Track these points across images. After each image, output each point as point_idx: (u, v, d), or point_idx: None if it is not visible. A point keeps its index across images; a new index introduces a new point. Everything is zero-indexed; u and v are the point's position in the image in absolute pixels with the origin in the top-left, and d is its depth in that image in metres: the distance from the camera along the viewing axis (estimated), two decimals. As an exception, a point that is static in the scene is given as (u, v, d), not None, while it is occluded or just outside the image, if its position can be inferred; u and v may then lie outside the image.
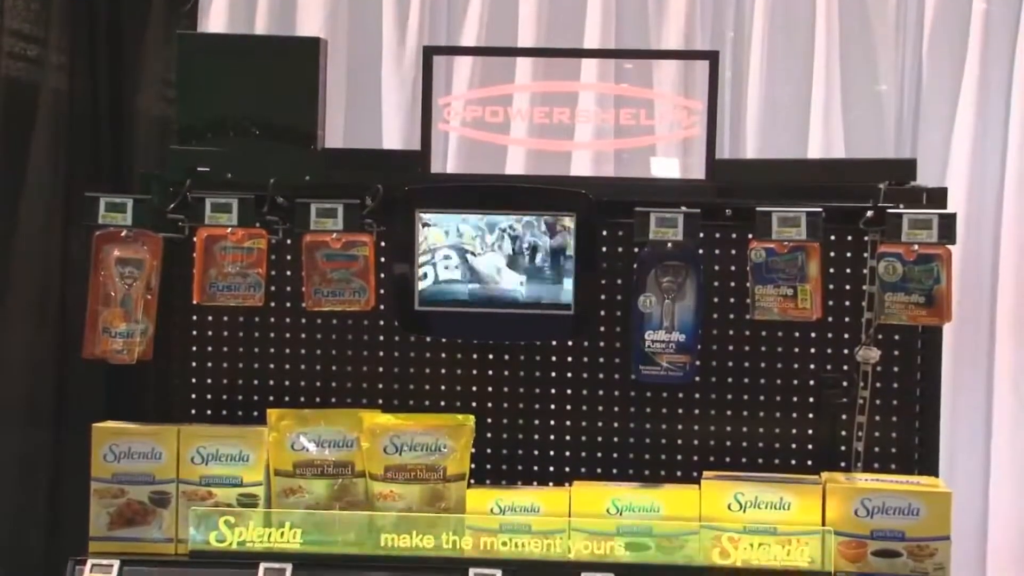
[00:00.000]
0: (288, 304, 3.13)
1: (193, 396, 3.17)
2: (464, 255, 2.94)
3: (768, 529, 2.75)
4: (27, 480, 2.97)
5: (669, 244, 2.85)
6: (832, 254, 3.00)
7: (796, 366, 3.07)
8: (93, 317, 2.87)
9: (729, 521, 2.77)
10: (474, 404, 3.12)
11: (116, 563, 2.82)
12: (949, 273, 2.77)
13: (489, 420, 3.13)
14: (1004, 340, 3.55)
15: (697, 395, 3.09)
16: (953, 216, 2.80)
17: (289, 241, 3.01)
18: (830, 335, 3.06)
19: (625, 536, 2.79)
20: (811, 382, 3.07)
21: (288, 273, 3.11)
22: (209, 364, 3.17)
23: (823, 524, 2.75)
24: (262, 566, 2.81)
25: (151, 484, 2.89)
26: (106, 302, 2.88)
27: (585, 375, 3.13)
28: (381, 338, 3.15)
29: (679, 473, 3.08)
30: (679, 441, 3.10)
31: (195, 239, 2.92)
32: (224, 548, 2.83)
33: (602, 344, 3.11)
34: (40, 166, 3.04)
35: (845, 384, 3.02)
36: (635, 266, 2.92)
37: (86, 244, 2.90)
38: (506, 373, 3.14)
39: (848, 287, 3.03)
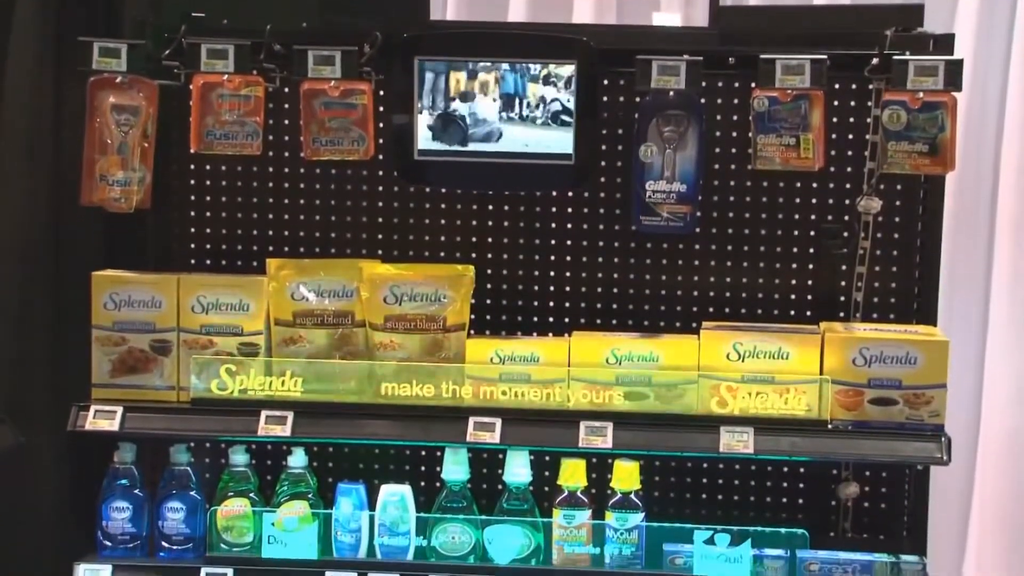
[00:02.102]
0: (286, 154, 3.11)
1: (192, 246, 3.17)
2: (464, 103, 2.90)
3: (766, 378, 2.77)
4: (27, 328, 2.97)
5: (671, 93, 2.81)
6: (835, 103, 2.96)
7: (797, 216, 3.06)
8: (90, 164, 2.85)
9: (727, 370, 2.79)
10: (474, 255, 3.12)
11: (119, 410, 2.84)
12: (954, 121, 2.74)
13: (489, 271, 3.13)
14: (1007, 190, 3.52)
15: (697, 246, 3.09)
16: (960, 63, 2.75)
17: (287, 90, 2.97)
18: (831, 185, 3.04)
19: (624, 385, 2.80)
20: (811, 232, 3.06)
21: (286, 122, 3.08)
22: (208, 214, 3.16)
23: (821, 373, 2.76)
24: (263, 413, 2.83)
25: (152, 332, 2.90)
26: (102, 150, 2.85)
27: (585, 226, 3.12)
28: (380, 188, 3.13)
29: (678, 323, 3.10)
30: (679, 292, 3.11)
31: (191, 86, 2.88)
32: (225, 396, 2.85)
33: (602, 194, 3.09)
34: (27, 11, 2.96)
35: (845, 234, 3.01)
36: (636, 116, 2.88)
37: (79, 92, 2.86)
38: (506, 224, 3.13)
39: (851, 136, 3.00)
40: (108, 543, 2.94)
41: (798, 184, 3.05)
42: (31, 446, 2.91)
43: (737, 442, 2.75)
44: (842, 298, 3.03)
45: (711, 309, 3.09)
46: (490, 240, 3.14)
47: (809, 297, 3.07)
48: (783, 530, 2.86)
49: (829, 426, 2.74)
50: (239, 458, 2.98)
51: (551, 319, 3.13)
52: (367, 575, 2.84)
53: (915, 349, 2.73)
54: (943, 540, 3.26)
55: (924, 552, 2.92)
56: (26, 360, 2.94)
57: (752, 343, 2.79)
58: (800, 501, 3.12)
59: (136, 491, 2.95)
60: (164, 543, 2.94)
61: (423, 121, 2.91)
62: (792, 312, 3.08)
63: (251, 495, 2.96)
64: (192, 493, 2.95)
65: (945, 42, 2.91)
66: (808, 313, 3.07)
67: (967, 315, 3.49)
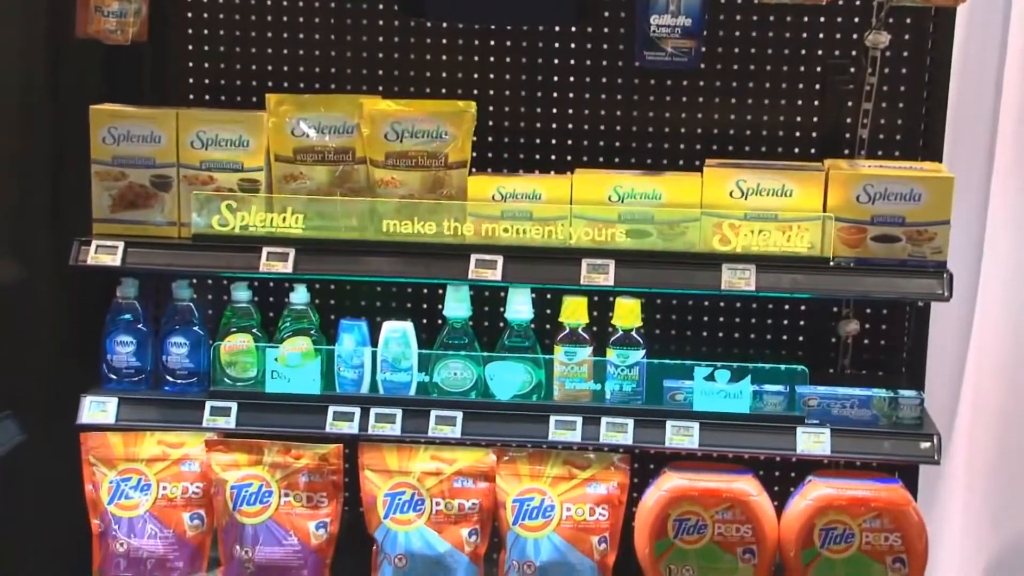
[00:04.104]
0: (286, -14, 3.06)
1: (190, 80, 3.13)
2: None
3: (769, 216, 2.76)
4: (26, 165, 2.95)
5: (677, -76, 2.75)
6: (845, -66, 2.91)
7: (803, 52, 3.02)
8: (84, -5, 2.80)
9: (730, 208, 2.77)
10: (476, 91, 3.08)
11: (120, 244, 2.84)
12: (965, -48, 2.68)
13: (491, 107, 3.10)
14: (1018, 23, 3.43)
15: (702, 82, 3.05)
16: None
17: (284, -81, 2.92)
18: (839, 19, 2.99)
19: (626, 223, 2.79)
20: (818, 68, 3.02)
21: (284, -46, 3.03)
22: (206, 47, 3.11)
23: (824, 211, 2.75)
24: (265, 250, 2.83)
25: (152, 168, 2.88)
26: (96, -22, 2.80)
27: (588, 61, 3.07)
28: (381, 22, 3.08)
29: (682, 161, 3.08)
30: (682, 129, 3.08)
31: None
32: (227, 232, 2.84)
33: (606, 29, 3.04)
34: None
35: (852, 70, 2.97)
36: (642, -53, 2.82)
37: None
38: (508, 60, 3.09)
39: (860, -31, 2.95)
40: (113, 376, 2.97)
41: (805, 19, 2.99)
42: (32, 281, 2.91)
43: (739, 279, 2.75)
44: (847, 135, 3.00)
45: (715, 146, 3.07)
46: (492, 76, 3.09)
47: (814, 134, 3.04)
48: (783, 366, 2.88)
49: (831, 263, 2.74)
50: (241, 294, 2.99)
51: (553, 156, 3.11)
52: (370, 410, 2.87)
53: (919, 185, 2.71)
54: (941, 378, 3.27)
55: (922, 388, 2.95)
56: (26, 196, 2.92)
57: (755, 180, 2.77)
58: (800, 339, 3.14)
59: (140, 326, 2.97)
60: (168, 377, 2.97)
61: (424, -48, 2.85)
62: (796, 149, 3.06)
63: (254, 331, 2.97)
64: (195, 328, 2.97)
65: None
66: (813, 150, 3.05)
67: (973, 152, 3.45)
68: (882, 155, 3.01)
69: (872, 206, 2.73)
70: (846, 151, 3.00)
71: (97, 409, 2.91)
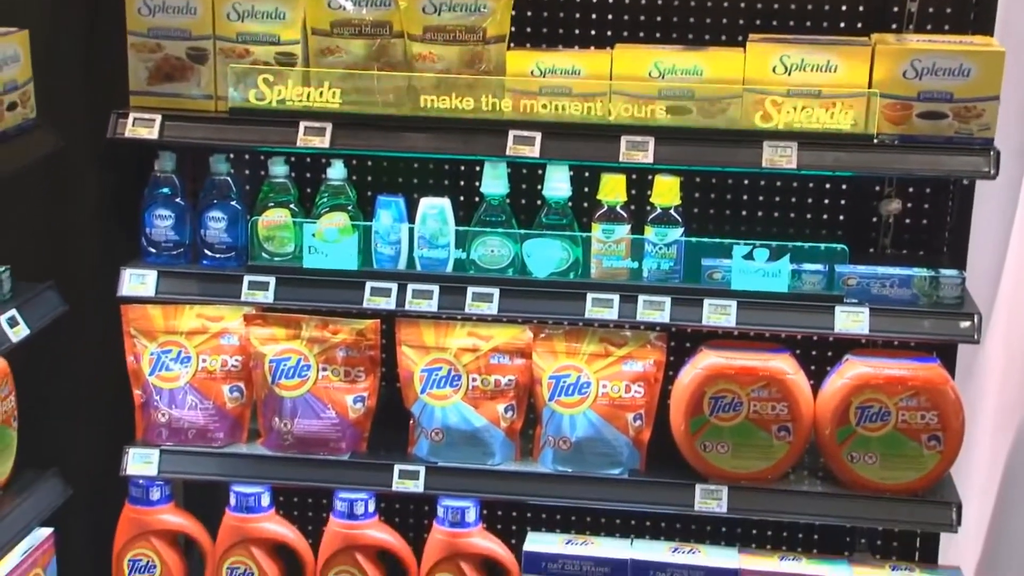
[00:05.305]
0: None
1: (226, -48, 3.09)
2: None
3: (812, 92, 2.71)
4: (61, 33, 2.92)
5: None
6: None
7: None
8: None
9: (773, 84, 2.73)
10: (515, -37, 3.03)
11: (158, 118, 2.83)
12: None
13: (530, -20, 3.04)
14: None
15: (746, -46, 2.98)
16: None
17: None
18: None
19: (666, 99, 2.75)
20: (866, -60, 2.94)
21: None
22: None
23: (869, 87, 2.70)
24: (302, 124, 2.82)
25: (188, 40, 2.86)
26: None
27: (630, -67, 3.01)
28: None
29: (724, 36, 3.02)
30: (725, 3, 3.02)
31: None
32: (264, 106, 2.82)
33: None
34: None
35: (902, -58, 2.90)
36: None
37: None
38: (548, -69, 3.03)
39: None
40: (152, 250, 2.98)
41: None
42: (69, 152, 2.90)
43: (780, 157, 2.72)
44: (895, 8, 2.94)
45: (758, 21, 3.01)
46: (532, -53, 3.04)
47: (861, 8, 2.98)
48: (822, 245, 2.86)
49: (875, 140, 2.70)
50: (279, 169, 2.98)
51: (593, 32, 3.06)
52: (407, 286, 2.88)
53: (969, 60, 2.65)
54: (983, 257, 3.23)
55: (964, 267, 2.92)
56: (62, 65, 2.91)
57: (799, 56, 2.72)
58: (841, 218, 3.11)
59: (178, 200, 2.97)
60: (207, 251, 2.98)
61: None
62: (842, 24, 2.99)
63: (291, 206, 2.97)
64: (233, 203, 2.97)
65: None
66: (859, 25, 2.98)
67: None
68: (931, 29, 2.94)
69: (919, 82, 2.68)
70: (893, 25, 2.94)
71: (137, 282, 2.93)
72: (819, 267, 2.83)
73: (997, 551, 3.34)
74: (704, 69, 2.76)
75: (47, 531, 2.93)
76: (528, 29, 3.07)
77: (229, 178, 2.97)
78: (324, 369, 2.97)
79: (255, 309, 3.00)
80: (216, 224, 2.96)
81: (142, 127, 2.83)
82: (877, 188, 3.07)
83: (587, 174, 3.03)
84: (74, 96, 2.95)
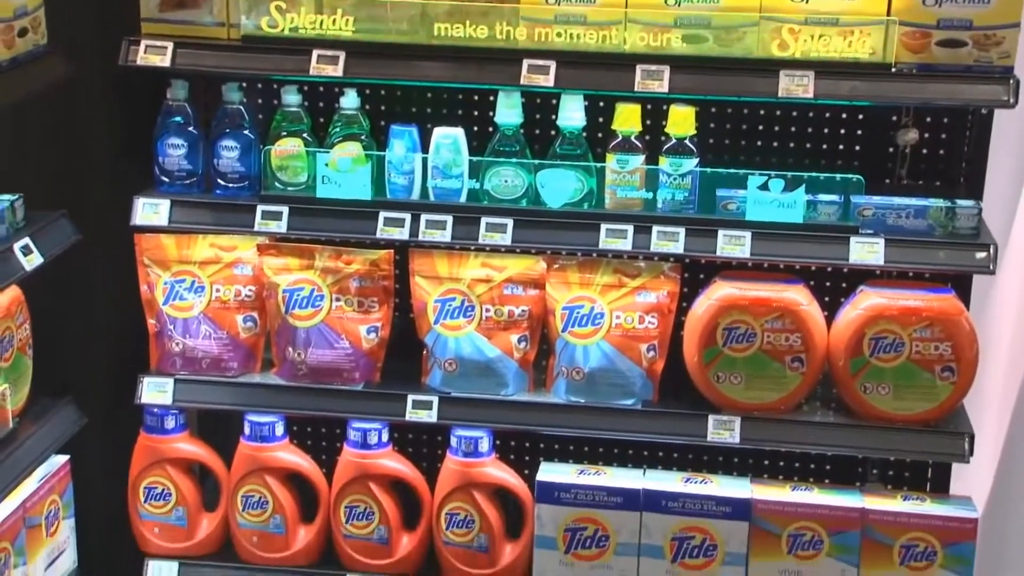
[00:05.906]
0: None
1: None
2: None
3: (830, 20, 2.68)
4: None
5: None
6: None
7: None
8: None
9: (790, 12, 2.70)
10: None
11: (170, 45, 2.81)
12: None
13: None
14: None
15: None
16: None
17: None
18: None
19: (682, 28, 2.73)
20: None
21: None
22: None
23: (888, 15, 2.67)
24: (315, 52, 2.80)
25: (199, -34, 2.84)
26: None
27: None
28: None
29: (741, -36, 2.98)
30: (743, -70, 2.97)
31: None
32: (276, 34, 2.81)
33: None
34: None
35: None
36: None
37: None
38: None
39: None
40: (165, 179, 2.97)
41: None
42: (81, 80, 2.89)
43: (797, 86, 2.70)
44: (915, -64, 2.90)
45: (776, -52, 2.97)
46: None
47: (880, -65, 2.94)
48: (838, 176, 2.84)
49: (893, 69, 2.67)
50: (291, 98, 2.96)
51: (609, -41, 3.02)
52: (420, 216, 2.87)
53: (989, -13, 2.63)
54: (999, 188, 3.21)
55: (980, 198, 2.90)
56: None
57: (817, -18, 2.70)
58: (857, 148, 3.09)
59: (191, 128, 2.96)
60: (220, 180, 2.97)
61: None
62: (861, -48, 2.95)
63: (304, 136, 2.96)
64: (246, 132, 2.95)
65: None
66: (878, -48, 2.94)
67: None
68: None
69: (939, 8, 2.65)
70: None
71: (150, 211, 2.93)
72: (834, 198, 2.81)
73: (1009, 482, 3.35)
74: (720, -4, 2.73)
75: (63, 458, 2.95)
76: (542, -44, 3.03)
77: (242, 107, 2.96)
78: (337, 299, 2.98)
79: (268, 239, 3.00)
80: (229, 153, 2.95)
81: (154, 54, 2.81)
82: (894, 118, 3.04)
83: (602, 104, 3.00)
84: (86, 23, 2.92)
